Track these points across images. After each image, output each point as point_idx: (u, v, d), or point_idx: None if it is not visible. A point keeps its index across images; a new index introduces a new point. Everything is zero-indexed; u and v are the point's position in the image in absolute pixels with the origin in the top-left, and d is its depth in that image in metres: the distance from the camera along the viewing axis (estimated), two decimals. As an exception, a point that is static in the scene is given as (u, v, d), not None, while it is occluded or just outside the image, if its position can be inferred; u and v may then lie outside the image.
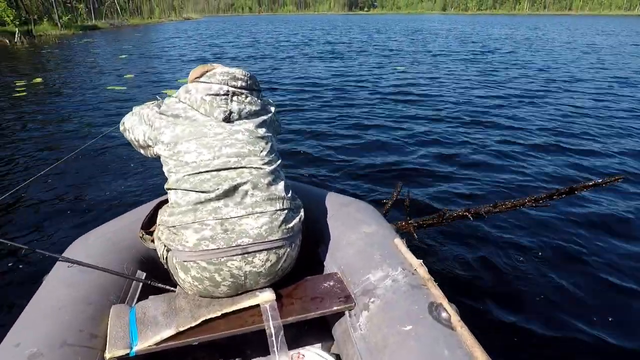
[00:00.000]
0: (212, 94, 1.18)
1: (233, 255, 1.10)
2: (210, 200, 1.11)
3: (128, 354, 1.00)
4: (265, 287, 1.20)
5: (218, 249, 1.09)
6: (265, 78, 8.20)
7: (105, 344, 1.02)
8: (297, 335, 1.34)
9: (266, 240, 1.13)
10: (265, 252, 1.14)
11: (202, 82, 1.23)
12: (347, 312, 1.17)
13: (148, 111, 1.26)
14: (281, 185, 1.21)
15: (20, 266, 2.27)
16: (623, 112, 5.72)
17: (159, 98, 1.40)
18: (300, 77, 8.31)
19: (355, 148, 4.21)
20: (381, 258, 1.25)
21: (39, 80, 8.52)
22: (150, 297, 1.18)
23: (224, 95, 1.19)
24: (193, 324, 1.07)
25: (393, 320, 1.04)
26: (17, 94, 7.07)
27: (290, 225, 1.19)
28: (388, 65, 9.78)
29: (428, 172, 3.61)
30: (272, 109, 1.34)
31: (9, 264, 2.28)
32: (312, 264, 1.43)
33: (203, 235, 1.09)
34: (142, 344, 1.01)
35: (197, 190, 1.11)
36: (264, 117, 1.28)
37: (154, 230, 1.29)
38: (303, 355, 1.14)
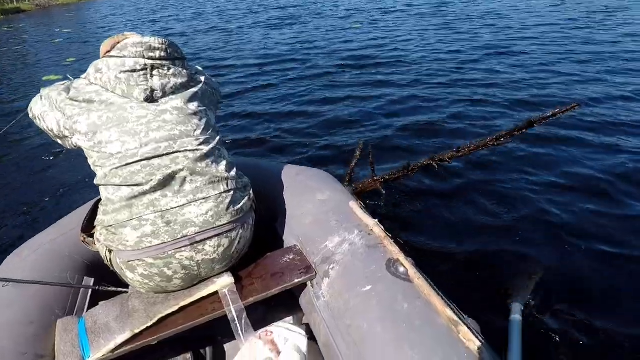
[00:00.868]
0: (127, 71, 1.03)
1: (181, 247, 1.04)
2: (145, 193, 1.01)
3: None
4: (222, 273, 1.16)
5: (163, 243, 1.02)
6: (218, 55, 7.39)
7: None
8: (265, 313, 1.33)
9: (215, 226, 1.07)
10: (216, 237, 1.08)
11: (113, 56, 1.05)
12: (309, 283, 1.16)
13: (57, 96, 1.08)
14: (223, 164, 1.12)
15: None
16: (574, 45, 5.84)
17: (70, 78, 1.19)
18: (254, 50, 7.48)
19: (317, 123, 3.88)
20: (337, 223, 1.23)
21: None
22: (100, 303, 1.11)
23: (141, 70, 1.04)
24: (149, 324, 1.02)
25: (353, 283, 1.03)
26: None
27: (239, 206, 1.13)
28: (348, 27, 9.09)
29: (392, 133, 3.55)
30: (202, 77, 1.19)
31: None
32: (270, 239, 1.40)
33: (144, 232, 1.01)
34: (96, 355, 0.95)
35: (128, 184, 1.01)
36: (194, 90, 1.13)
37: (95, 232, 1.20)
38: (271, 332, 1.12)
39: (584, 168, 2.70)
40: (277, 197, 1.43)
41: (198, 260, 1.07)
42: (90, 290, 1.19)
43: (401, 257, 1.05)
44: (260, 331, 1.14)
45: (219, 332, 1.27)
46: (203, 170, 1.07)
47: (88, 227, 1.27)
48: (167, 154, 1.04)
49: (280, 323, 1.23)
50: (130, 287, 1.16)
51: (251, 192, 1.21)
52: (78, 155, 3.11)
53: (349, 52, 6.44)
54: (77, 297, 1.17)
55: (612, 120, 3.36)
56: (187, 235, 1.04)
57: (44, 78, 6.83)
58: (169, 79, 1.08)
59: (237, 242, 1.13)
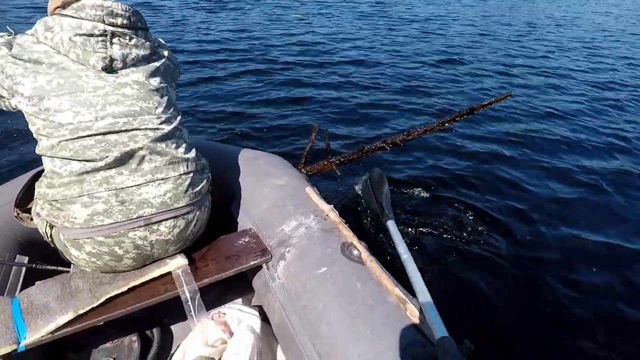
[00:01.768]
0: (84, 34, 0.93)
1: (135, 227, 1.00)
2: (98, 169, 0.95)
3: (15, 349, 0.87)
4: (176, 254, 1.13)
5: (115, 222, 0.97)
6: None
7: None
8: (219, 295, 1.32)
9: (172, 208, 1.04)
10: (172, 219, 1.05)
11: (68, 15, 0.94)
12: (264, 265, 1.17)
13: None
14: (183, 145, 1.08)
15: None
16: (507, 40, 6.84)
17: (9, 30, 1.05)
18: (188, 36, 6.37)
19: (268, 112, 3.77)
20: (294, 208, 1.25)
21: None
22: (36, 283, 1.03)
23: (99, 36, 0.94)
24: (95, 304, 0.97)
25: (309, 266, 1.06)
26: None
27: (198, 188, 1.10)
28: (289, 17, 8.80)
29: (347, 117, 3.74)
30: (165, 52, 1.12)
31: None
32: (226, 222, 1.39)
33: (95, 210, 0.95)
34: (33, 336, 0.89)
35: (79, 158, 0.93)
36: (157, 64, 1.06)
37: (33, 207, 1.10)
38: (224, 313, 1.13)
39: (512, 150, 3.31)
40: (234, 181, 1.42)
41: (152, 241, 1.04)
42: (24, 269, 1.10)
43: (354, 240, 1.11)
44: (212, 312, 1.14)
45: (168, 313, 1.24)
46: (163, 150, 1.03)
47: (23, 202, 1.16)
48: (126, 130, 0.98)
49: (232, 304, 1.24)
50: (72, 266, 1.09)
51: (209, 174, 1.19)
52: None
53: (296, 43, 6.35)
54: (8, 276, 1.07)
55: (540, 109, 4.21)
56: (142, 216, 0.99)
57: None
58: (130, 49, 1.00)
59: (193, 224, 1.11)
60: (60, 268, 1.10)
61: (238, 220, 1.35)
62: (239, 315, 1.13)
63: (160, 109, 1.04)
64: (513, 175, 2.88)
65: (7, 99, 0.97)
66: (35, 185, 1.04)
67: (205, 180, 1.15)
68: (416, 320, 0.90)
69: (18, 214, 1.13)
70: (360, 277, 1.00)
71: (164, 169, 1.03)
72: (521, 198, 2.62)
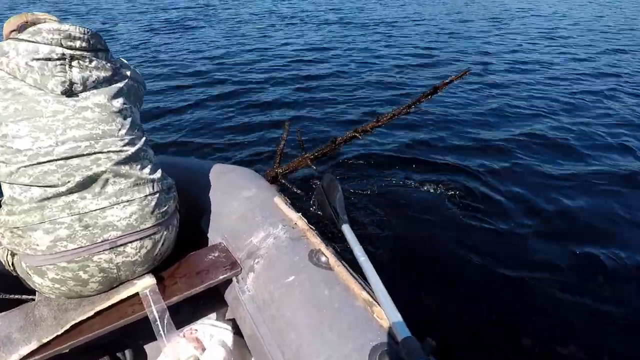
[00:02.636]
0: (41, 59, 0.92)
1: (100, 251, 0.99)
2: (59, 194, 0.94)
3: None
4: (144, 275, 1.12)
5: (80, 247, 0.96)
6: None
7: None
8: (192, 311, 1.31)
9: (139, 229, 1.03)
10: (139, 240, 1.05)
11: (24, 40, 0.94)
12: (234, 279, 1.17)
13: None
14: (148, 166, 1.08)
15: None
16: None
17: None
18: (141, 56, 6.02)
19: (233, 124, 3.75)
20: (262, 219, 1.26)
21: None
22: None
23: (58, 60, 0.94)
24: (60, 332, 0.96)
25: (277, 275, 1.07)
26: None
27: (165, 208, 1.10)
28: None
29: (314, 115, 3.88)
30: (128, 72, 1.11)
31: None
32: (196, 238, 1.38)
33: (58, 236, 0.94)
34: None
35: (40, 184, 0.93)
36: (119, 85, 1.05)
37: None
38: (196, 329, 1.12)
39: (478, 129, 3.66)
40: (202, 196, 1.42)
41: (118, 263, 1.03)
42: None
43: (322, 247, 1.12)
44: (184, 329, 1.13)
45: (139, 334, 1.23)
46: (127, 172, 1.02)
47: None
48: (88, 154, 0.97)
49: (205, 320, 1.23)
50: (37, 294, 1.07)
51: (175, 193, 1.19)
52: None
53: (259, 56, 6.09)
54: None
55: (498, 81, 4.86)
56: (107, 239, 0.99)
57: None
58: (90, 71, 0.99)
59: (160, 243, 1.11)
60: (24, 297, 1.08)
61: (208, 235, 1.35)
62: (211, 331, 1.12)
63: (123, 131, 1.03)
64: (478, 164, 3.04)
65: None
66: None
67: (172, 200, 1.15)
68: (383, 322, 0.91)
69: None
70: (327, 283, 1.01)
71: (128, 191, 1.02)
72: (487, 188, 2.73)
